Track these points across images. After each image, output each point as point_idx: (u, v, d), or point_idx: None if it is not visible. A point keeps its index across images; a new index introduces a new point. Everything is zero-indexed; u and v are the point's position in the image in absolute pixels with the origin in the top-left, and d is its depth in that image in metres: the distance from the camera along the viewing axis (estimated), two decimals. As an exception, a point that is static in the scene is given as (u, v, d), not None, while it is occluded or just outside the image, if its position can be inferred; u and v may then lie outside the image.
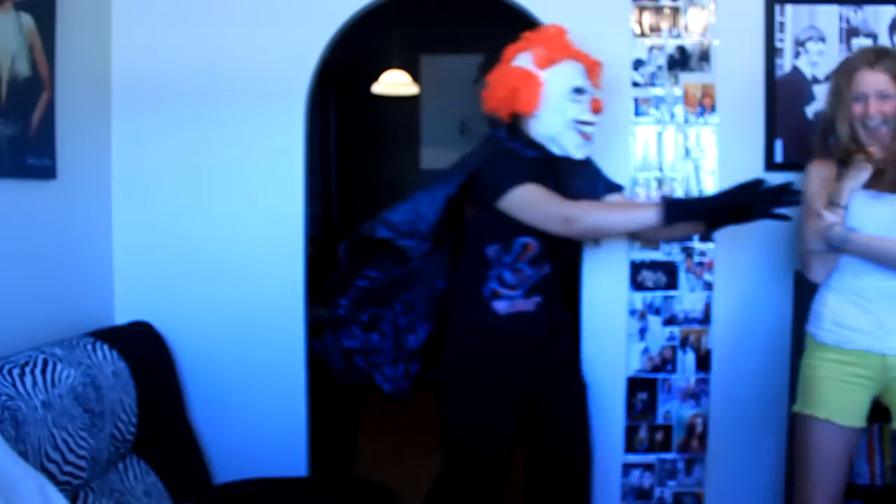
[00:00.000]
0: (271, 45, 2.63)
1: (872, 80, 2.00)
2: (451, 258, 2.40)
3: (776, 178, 2.64)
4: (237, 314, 2.67)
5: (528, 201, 2.11)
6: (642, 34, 2.65)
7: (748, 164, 2.66)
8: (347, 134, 5.80)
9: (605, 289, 2.69)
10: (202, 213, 2.66)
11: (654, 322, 2.69)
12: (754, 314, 2.70)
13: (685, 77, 2.66)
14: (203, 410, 2.68)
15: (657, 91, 2.66)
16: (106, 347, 2.18)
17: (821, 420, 2.02)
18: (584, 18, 2.63)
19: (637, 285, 2.69)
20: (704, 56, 2.65)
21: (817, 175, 2.15)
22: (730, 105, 2.66)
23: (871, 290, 2.04)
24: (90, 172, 2.52)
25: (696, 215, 2.02)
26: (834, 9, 2.64)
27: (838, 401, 2.02)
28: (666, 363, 2.70)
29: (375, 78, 5.12)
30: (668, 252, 2.68)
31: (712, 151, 2.67)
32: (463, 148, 2.47)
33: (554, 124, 2.21)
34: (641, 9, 2.65)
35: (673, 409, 2.71)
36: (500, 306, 2.23)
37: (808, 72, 2.65)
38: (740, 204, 1.92)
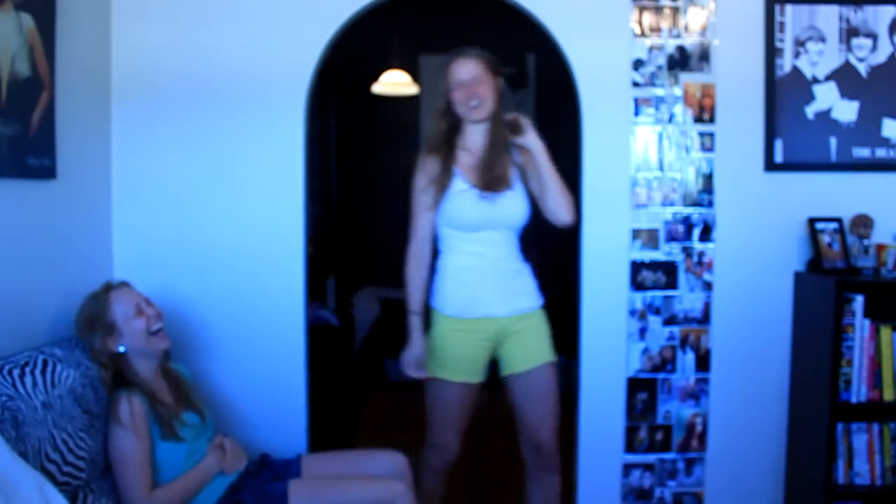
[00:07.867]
0: (271, 45, 2.63)
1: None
2: None
3: (776, 178, 2.67)
4: (237, 313, 2.67)
5: None
6: (642, 34, 2.65)
7: (748, 164, 2.67)
8: (347, 134, 5.80)
9: (605, 289, 2.69)
10: (202, 213, 2.66)
11: (654, 322, 2.69)
12: (754, 314, 2.70)
13: (685, 77, 2.66)
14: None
15: (657, 91, 2.65)
16: (106, 347, 2.17)
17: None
18: (584, 18, 2.63)
19: (637, 285, 2.69)
20: (704, 56, 2.65)
21: None
22: (730, 105, 2.66)
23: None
24: (90, 172, 2.52)
25: None
26: (834, 9, 2.64)
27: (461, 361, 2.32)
28: (666, 363, 2.70)
29: (375, 78, 5.12)
30: (669, 252, 2.68)
31: (712, 151, 2.67)
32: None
33: None
34: (641, 9, 2.65)
35: (673, 409, 2.71)
36: None
37: (808, 72, 2.65)
38: None
